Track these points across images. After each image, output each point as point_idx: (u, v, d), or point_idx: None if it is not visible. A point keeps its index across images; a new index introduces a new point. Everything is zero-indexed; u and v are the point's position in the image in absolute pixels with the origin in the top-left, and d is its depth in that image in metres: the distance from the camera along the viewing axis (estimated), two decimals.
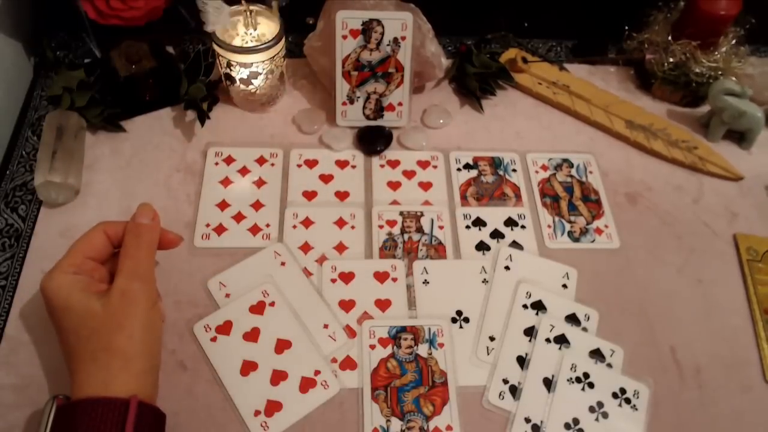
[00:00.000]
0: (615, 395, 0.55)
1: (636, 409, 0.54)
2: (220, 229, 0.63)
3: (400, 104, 0.71)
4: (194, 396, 0.53)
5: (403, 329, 0.57)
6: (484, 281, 0.61)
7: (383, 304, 0.59)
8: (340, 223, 0.64)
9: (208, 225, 0.63)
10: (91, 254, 0.50)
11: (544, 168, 0.71)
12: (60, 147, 0.63)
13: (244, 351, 0.55)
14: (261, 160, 0.69)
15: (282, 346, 0.55)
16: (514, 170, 0.71)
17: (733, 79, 0.75)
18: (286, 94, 0.75)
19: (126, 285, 0.48)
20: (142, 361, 0.46)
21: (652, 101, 0.80)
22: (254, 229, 0.63)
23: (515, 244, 0.64)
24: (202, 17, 0.63)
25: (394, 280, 0.60)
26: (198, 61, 0.74)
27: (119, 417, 0.42)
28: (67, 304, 0.47)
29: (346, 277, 0.60)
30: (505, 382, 0.55)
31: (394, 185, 0.68)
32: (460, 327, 0.58)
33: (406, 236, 0.64)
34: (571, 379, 0.55)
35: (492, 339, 0.57)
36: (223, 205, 0.65)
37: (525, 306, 0.59)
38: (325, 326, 0.57)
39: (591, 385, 0.55)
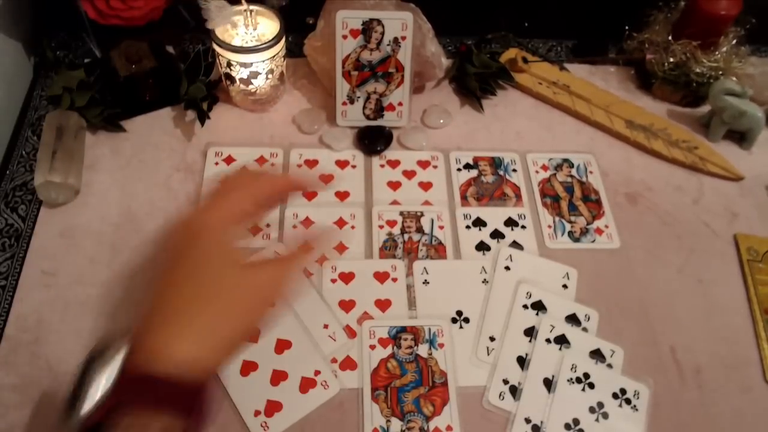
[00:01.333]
0: (615, 395, 0.55)
1: (636, 410, 0.54)
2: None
3: (400, 104, 0.71)
4: None
5: (403, 329, 0.57)
6: (484, 281, 0.61)
7: (383, 304, 0.59)
8: (340, 223, 0.64)
9: None
10: (244, 214, 0.44)
11: (545, 168, 0.71)
12: (60, 147, 0.63)
13: (244, 351, 0.55)
14: (261, 160, 0.69)
15: (282, 346, 0.55)
16: (515, 170, 0.71)
17: (734, 79, 0.75)
18: (286, 94, 0.75)
19: (270, 281, 0.43)
20: (233, 349, 0.41)
21: (653, 101, 0.80)
22: (254, 229, 0.63)
23: (515, 244, 0.64)
24: (204, 14, 0.63)
25: (394, 280, 0.60)
26: (198, 61, 0.74)
27: (192, 399, 0.38)
28: (211, 255, 0.41)
29: (346, 277, 0.60)
30: (505, 382, 0.55)
31: (394, 185, 0.68)
32: (460, 327, 0.58)
33: (406, 236, 0.64)
34: (571, 379, 0.55)
35: (492, 339, 0.57)
36: None
37: (525, 306, 0.59)
38: (325, 326, 0.57)
39: (591, 386, 0.55)
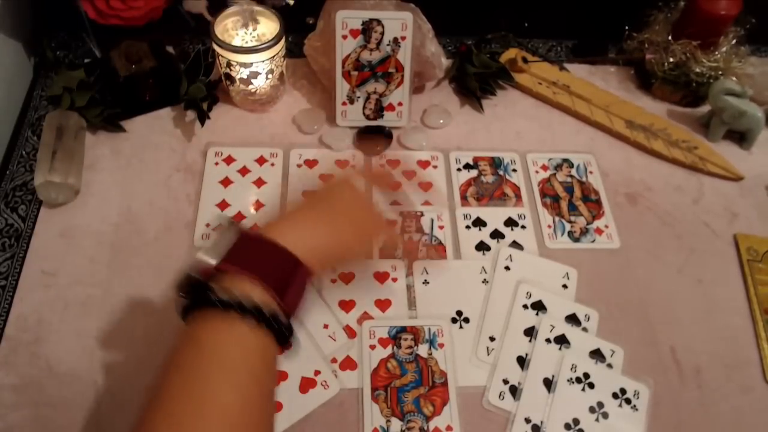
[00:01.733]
0: (615, 395, 0.55)
1: (636, 410, 0.54)
2: (220, 229, 0.63)
3: (400, 104, 0.71)
4: None
5: (403, 329, 0.57)
6: (484, 281, 0.61)
7: (383, 304, 0.59)
8: None
9: (208, 225, 0.63)
10: None
11: (544, 168, 0.71)
12: (60, 147, 0.63)
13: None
14: (261, 160, 0.69)
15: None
16: (514, 170, 0.71)
17: (734, 79, 0.75)
18: (286, 94, 0.75)
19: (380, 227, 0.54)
20: (334, 263, 0.51)
21: (653, 101, 0.80)
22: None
23: (515, 244, 0.64)
24: None
25: (394, 280, 0.60)
26: (198, 61, 0.74)
27: (291, 274, 0.44)
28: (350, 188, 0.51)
29: (346, 277, 0.60)
30: (505, 382, 0.55)
31: (394, 185, 0.68)
32: (460, 327, 0.58)
33: (406, 236, 0.64)
34: (571, 379, 0.55)
35: (492, 339, 0.57)
36: (223, 205, 0.65)
37: (525, 306, 0.59)
38: (325, 326, 0.57)
39: (591, 386, 0.55)
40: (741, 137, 0.76)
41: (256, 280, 0.41)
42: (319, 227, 0.48)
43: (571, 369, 0.56)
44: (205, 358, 0.39)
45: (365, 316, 0.58)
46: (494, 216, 0.66)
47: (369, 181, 0.57)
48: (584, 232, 0.66)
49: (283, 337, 0.42)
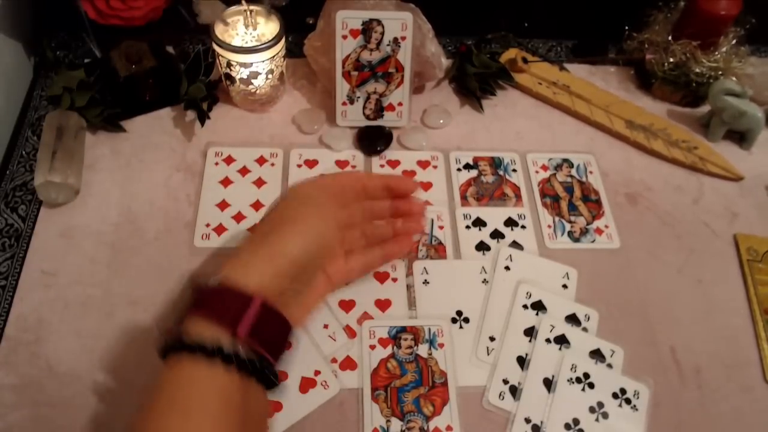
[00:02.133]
0: (615, 395, 0.55)
1: (636, 410, 0.54)
2: (220, 229, 0.63)
3: (400, 104, 0.71)
4: None
5: (403, 329, 0.57)
6: (484, 281, 0.61)
7: (383, 304, 0.59)
8: None
9: (208, 225, 0.63)
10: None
11: (544, 168, 0.71)
12: (60, 147, 0.63)
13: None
14: (261, 160, 0.69)
15: None
16: (514, 170, 0.71)
17: (734, 79, 0.75)
18: (286, 94, 0.75)
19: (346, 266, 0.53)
20: (289, 283, 0.47)
21: (653, 101, 0.80)
22: (254, 230, 0.63)
23: (515, 244, 0.64)
24: (195, 9, 0.65)
25: (394, 280, 0.60)
26: (198, 61, 0.74)
27: (241, 306, 0.43)
28: (302, 210, 0.50)
29: None
30: (505, 382, 0.55)
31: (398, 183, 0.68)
32: (460, 327, 0.58)
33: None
34: (571, 379, 0.55)
35: (492, 339, 0.57)
36: (223, 205, 0.65)
37: (525, 306, 0.59)
38: (325, 326, 0.57)
39: (591, 386, 0.55)
40: (741, 137, 0.76)
41: (202, 317, 0.42)
42: (259, 248, 0.47)
43: (571, 369, 0.56)
44: (161, 400, 0.40)
45: (365, 316, 0.58)
46: (494, 216, 0.66)
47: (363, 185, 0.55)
48: (584, 232, 0.66)
49: (254, 372, 0.42)
